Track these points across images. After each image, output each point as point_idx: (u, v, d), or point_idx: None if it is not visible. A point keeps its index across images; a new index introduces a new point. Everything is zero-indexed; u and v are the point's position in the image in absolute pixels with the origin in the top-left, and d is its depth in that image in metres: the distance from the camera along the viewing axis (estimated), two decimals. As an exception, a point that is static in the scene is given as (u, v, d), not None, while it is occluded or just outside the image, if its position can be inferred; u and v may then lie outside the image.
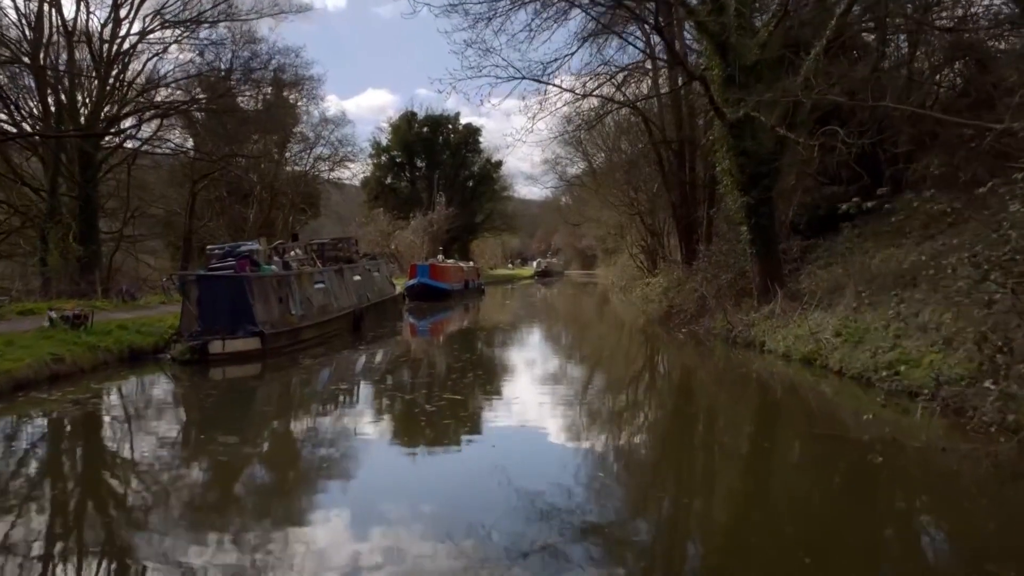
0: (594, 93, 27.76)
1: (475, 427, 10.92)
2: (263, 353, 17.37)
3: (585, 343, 24.39)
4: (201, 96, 32.45)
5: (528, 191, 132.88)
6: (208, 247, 21.74)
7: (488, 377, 15.83)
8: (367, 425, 10.95)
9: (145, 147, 32.79)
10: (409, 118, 78.59)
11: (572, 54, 26.38)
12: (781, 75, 19.32)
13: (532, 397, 13.45)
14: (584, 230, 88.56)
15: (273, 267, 19.39)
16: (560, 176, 74.52)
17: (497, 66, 22.94)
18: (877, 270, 18.73)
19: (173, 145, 34.80)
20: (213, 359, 16.53)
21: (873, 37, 24.85)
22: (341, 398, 13.53)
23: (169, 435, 10.75)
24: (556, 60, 25.09)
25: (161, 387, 14.98)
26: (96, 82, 29.95)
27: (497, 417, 11.73)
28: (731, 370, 17.10)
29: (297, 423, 11.65)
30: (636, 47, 27.21)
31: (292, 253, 22.92)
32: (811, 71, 17.60)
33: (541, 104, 24.98)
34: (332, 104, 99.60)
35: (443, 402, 12.26)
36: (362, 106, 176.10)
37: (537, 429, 10.74)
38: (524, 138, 26.27)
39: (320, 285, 21.99)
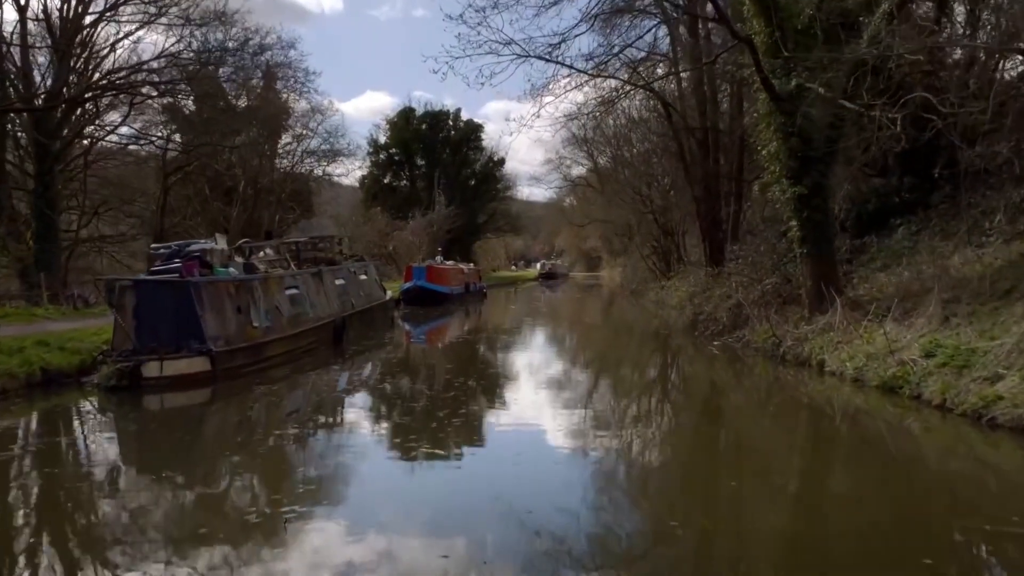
0: (608, 75, 24.83)
1: (457, 507, 7.50)
2: (213, 375, 14.20)
3: (604, 360, 20.92)
4: (176, 80, 29.19)
5: (531, 192, 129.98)
6: (152, 246, 18.54)
7: (483, 414, 12.42)
8: (299, 507, 7.49)
9: (111, 137, 29.64)
10: (408, 114, 75.39)
11: (582, 33, 23.16)
12: (839, 40, 16.20)
13: (541, 445, 10.27)
14: (588, 231, 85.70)
15: (232, 270, 16.19)
16: (564, 176, 72.06)
17: (499, 42, 19.69)
18: (958, 274, 15.51)
19: (143, 136, 31.49)
20: (148, 384, 13.34)
21: (930, 4, 21.75)
22: (268, 457, 9.61)
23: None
24: (565, 41, 21.84)
25: (61, 427, 11.52)
26: (55, 61, 26.82)
27: (489, 490, 7.94)
28: (786, 397, 13.94)
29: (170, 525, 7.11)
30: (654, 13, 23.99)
31: (262, 253, 19.75)
32: (878, 31, 14.41)
33: (549, 85, 22.06)
34: (326, 102, 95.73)
35: (419, 461, 9.00)
36: (361, 108, 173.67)
37: (547, 505, 7.43)
38: (530, 123, 23.41)
39: (293, 291, 18.77)
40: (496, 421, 11.98)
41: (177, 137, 35.35)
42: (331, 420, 11.71)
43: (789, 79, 15.90)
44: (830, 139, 16.66)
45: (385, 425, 11.57)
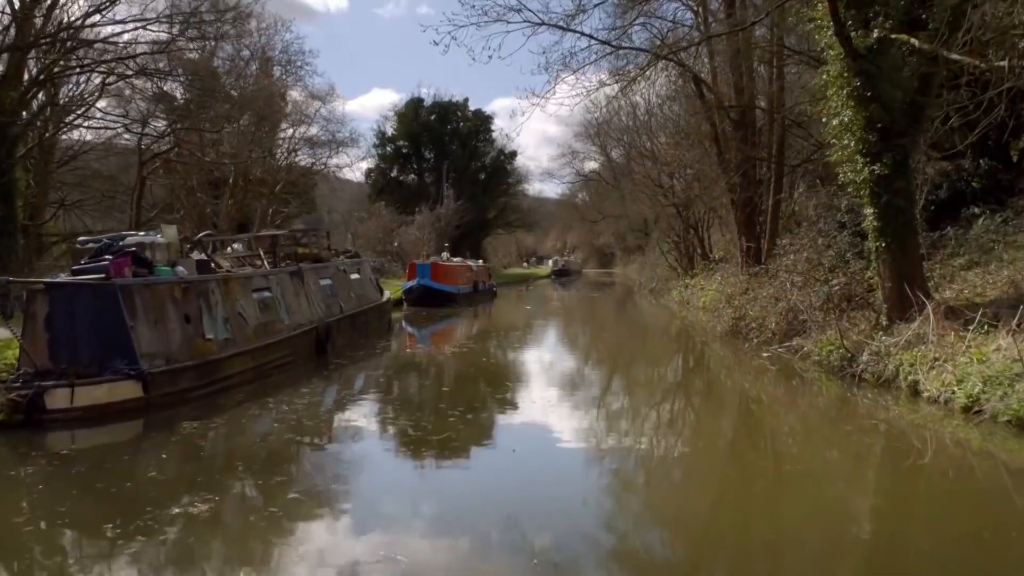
0: (630, 47, 21.89)
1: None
2: (147, 404, 11.21)
3: (642, 380, 17.10)
4: (153, 49, 26.16)
5: (542, 187, 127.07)
6: (79, 239, 15.51)
7: (484, 468, 9.40)
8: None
9: (78, 121, 26.70)
10: (416, 105, 72.29)
11: (602, 2, 20.23)
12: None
13: (553, 519, 7.24)
14: (602, 227, 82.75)
15: (180, 268, 13.16)
16: (577, 171, 69.25)
17: (509, 8, 16.94)
18: (1087, 272, 12.38)
19: (115, 117, 28.54)
20: (55, 418, 10.36)
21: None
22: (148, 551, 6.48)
23: None
24: (583, 11, 18.92)
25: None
26: (13, 29, 23.98)
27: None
28: (870, 430, 10.80)
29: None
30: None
31: (229, 249, 16.76)
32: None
33: (566, 61, 19.22)
34: (327, 88, 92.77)
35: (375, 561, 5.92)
36: (368, 106, 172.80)
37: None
38: (546, 97, 20.51)
39: (263, 294, 15.71)
40: (501, 474, 8.96)
41: (160, 125, 32.34)
42: (256, 484, 8.32)
43: (869, 31, 12.77)
44: (915, 107, 13.51)
45: (340, 506, 8.43)
